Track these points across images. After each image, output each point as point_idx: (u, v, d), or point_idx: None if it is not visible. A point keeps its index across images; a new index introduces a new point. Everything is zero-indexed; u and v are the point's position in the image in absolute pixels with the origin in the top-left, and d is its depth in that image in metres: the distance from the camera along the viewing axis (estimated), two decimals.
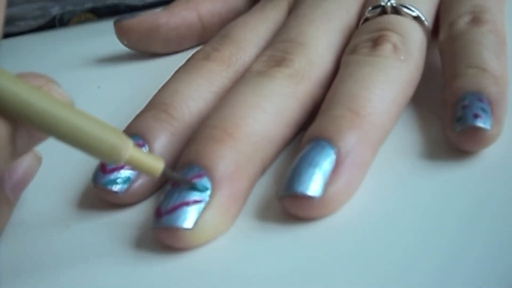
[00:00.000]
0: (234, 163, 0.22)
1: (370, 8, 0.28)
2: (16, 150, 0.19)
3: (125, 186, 0.23)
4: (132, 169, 0.23)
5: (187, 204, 0.21)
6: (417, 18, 0.27)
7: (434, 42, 0.28)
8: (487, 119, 0.23)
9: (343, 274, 0.20)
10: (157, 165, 0.21)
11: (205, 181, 0.22)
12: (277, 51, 0.26)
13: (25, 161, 0.24)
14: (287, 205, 0.22)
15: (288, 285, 0.20)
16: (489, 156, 0.24)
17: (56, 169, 0.27)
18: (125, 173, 0.24)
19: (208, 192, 0.21)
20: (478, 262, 0.20)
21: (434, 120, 0.26)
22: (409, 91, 0.26)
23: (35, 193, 0.26)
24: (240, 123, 0.23)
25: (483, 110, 0.23)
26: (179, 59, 0.29)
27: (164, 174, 0.21)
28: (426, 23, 0.27)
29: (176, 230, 0.21)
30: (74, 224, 0.24)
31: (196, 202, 0.21)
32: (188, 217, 0.21)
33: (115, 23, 0.35)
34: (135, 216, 0.24)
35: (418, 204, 0.22)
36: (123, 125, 0.26)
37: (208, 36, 0.34)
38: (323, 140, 0.22)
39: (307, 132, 0.23)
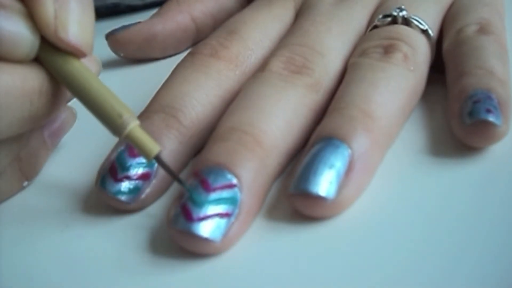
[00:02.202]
0: (261, 177, 0.22)
1: (380, 16, 0.28)
2: (56, 102, 0.23)
3: (134, 196, 0.23)
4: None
5: (220, 215, 0.21)
6: (425, 32, 0.27)
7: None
8: (498, 115, 0.23)
9: (351, 273, 0.20)
10: (154, 148, 0.22)
11: (236, 194, 0.22)
12: (295, 55, 0.26)
13: (63, 114, 0.27)
14: (297, 203, 0.22)
15: (295, 285, 0.20)
16: (493, 155, 0.24)
17: (59, 170, 0.27)
18: (134, 182, 0.23)
19: (237, 204, 0.21)
20: (482, 259, 0.20)
21: (438, 117, 0.26)
22: (415, 101, 0.26)
23: (37, 194, 0.26)
24: (267, 131, 0.23)
25: (494, 107, 0.23)
26: (179, 59, 0.29)
27: (156, 159, 0.22)
28: (432, 37, 0.28)
29: (205, 241, 0.21)
30: (75, 225, 0.24)
31: (227, 215, 0.21)
32: (220, 230, 0.21)
33: (108, 37, 0.34)
34: (141, 218, 0.24)
35: (423, 202, 0.22)
36: None
37: (202, 37, 0.34)
38: (336, 139, 0.22)
39: (318, 128, 0.23)
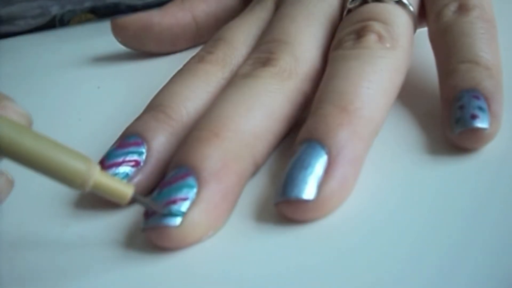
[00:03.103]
0: (220, 161, 0.22)
1: None
2: None
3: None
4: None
5: (174, 202, 0.21)
6: (399, 3, 0.27)
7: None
8: (484, 118, 0.23)
9: (340, 275, 0.20)
10: (126, 190, 0.20)
11: (191, 180, 0.22)
12: (261, 53, 0.27)
13: None
14: (283, 211, 0.22)
15: (284, 287, 0.20)
16: (490, 150, 0.24)
17: None
18: (123, 169, 0.24)
19: (195, 190, 0.22)
20: (480, 258, 0.20)
21: (433, 115, 0.26)
22: (399, 78, 0.25)
23: (31, 194, 0.26)
24: (226, 122, 0.23)
25: (480, 108, 0.23)
26: (178, 60, 0.29)
27: (134, 200, 0.21)
28: (410, 7, 0.27)
29: (164, 229, 0.21)
30: (73, 224, 0.24)
31: (182, 199, 0.21)
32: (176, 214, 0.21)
33: (112, 20, 0.35)
34: (128, 217, 0.24)
35: (417, 201, 0.22)
36: (123, 125, 0.26)
37: (204, 37, 0.35)
38: (314, 141, 0.22)
39: (299, 134, 0.23)
